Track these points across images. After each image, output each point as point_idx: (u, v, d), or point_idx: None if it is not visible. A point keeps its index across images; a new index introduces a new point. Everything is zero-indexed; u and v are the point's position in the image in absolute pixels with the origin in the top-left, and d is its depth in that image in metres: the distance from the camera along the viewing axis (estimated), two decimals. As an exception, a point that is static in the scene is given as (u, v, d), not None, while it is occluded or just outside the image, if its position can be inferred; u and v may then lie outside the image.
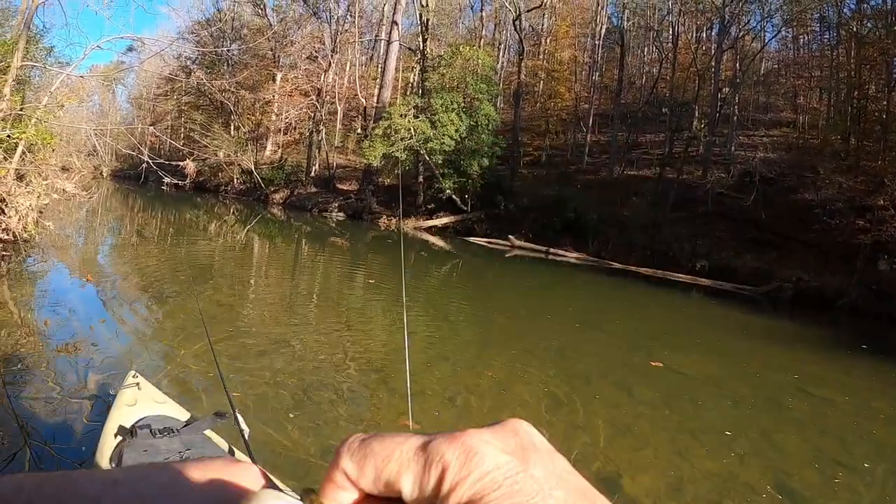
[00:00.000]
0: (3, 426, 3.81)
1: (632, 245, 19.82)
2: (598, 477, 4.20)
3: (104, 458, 2.52)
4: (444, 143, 23.48)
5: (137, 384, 3.24)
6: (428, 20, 27.63)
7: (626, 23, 33.01)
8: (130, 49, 35.99)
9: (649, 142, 29.22)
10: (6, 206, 10.25)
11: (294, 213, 29.30)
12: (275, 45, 36.76)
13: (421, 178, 26.59)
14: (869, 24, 19.25)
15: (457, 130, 23.58)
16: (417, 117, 24.44)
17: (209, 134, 35.96)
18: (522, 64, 28.68)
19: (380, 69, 32.94)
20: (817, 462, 4.85)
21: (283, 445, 4.07)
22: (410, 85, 36.58)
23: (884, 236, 14.69)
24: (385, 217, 26.92)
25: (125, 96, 55.56)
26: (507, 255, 20.48)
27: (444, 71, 25.46)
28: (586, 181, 26.95)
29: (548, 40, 38.45)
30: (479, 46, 30.32)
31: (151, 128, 29.74)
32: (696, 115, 26.56)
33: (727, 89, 26.20)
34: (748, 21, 25.86)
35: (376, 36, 38.16)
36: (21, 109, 11.31)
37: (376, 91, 31.93)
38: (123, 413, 2.92)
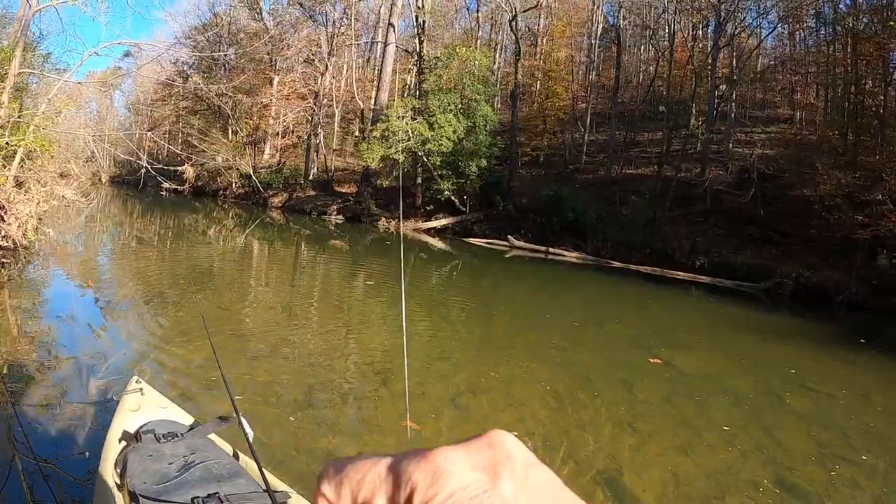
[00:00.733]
0: (7, 434, 3.82)
1: (631, 244, 19.84)
2: (600, 474, 4.22)
3: (109, 463, 2.54)
4: (441, 144, 23.50)
5: (140, 389, 3.26)
6: (424, 22, 27.65)
7: (622, 21, 33.00)
8: (127, 55, 36.12)
9: (647, 140, 29.23)
10: (6, 213, 10.27)
11: (293, 217, 29.32)
12: (271, 49, 36.76)
13: (419, 180, 26.61)
14: (865, 20, 19.25)
15: (454, 131, 23.60)
16: (415, 119, 24.46)
17: (207, 138, 35.98)
18: (519, 64, 28.66)
19: (377, 71, 32.94)
20: (818, 457, 4.87)
21: (286, 448, 4.09)
22: (408, 87, 36.58)
23: (882, 231, 14.68)
24: (384, 219, 26.91)
25: (123, 102, 55.62)
26: (506, 256, 20.49)
27: (441, 72, 25.48)
28: (585, 180, 26.98)
29: (544, 40, 38.47)
30: (476, 47, 30.34)
31: (149, 133, 29.88)
32: (694, 112, 26.57)
33: (724, 86, 26.20)
34: (744, 18, 25.84)
35: (373, 38, 38.20)
36: (19, 116, 11.33)
37: (373, 93, 31.93)
38: (127, 418, 2.93)
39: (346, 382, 5.78)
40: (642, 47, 39.61)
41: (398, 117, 24.47)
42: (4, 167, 10.62)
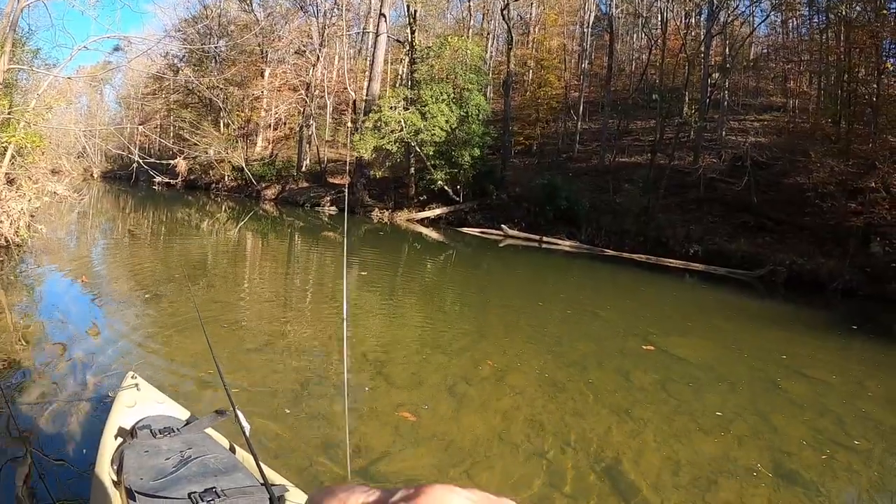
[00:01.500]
0: (3, 432, 3.82)
1: (625, 232, 19.88)
2: (597, 462, 4.24)
3: (105, 460, 2.54)
4: (434, 134, 23.47)
5: (136, 385, 3.26)
6: (416, 11, 27.52)
7: (614, 10, 32.87)
8: (117, 49, 35.80)
9: (640, 128, 29.23)
10: (-3, 210, 10.22)
11: (286, 209, 29.26)
12: (262, 41, 36.56)
13: (412, 170, 26.58)
14: (858, 8, 19.24)
15: (447, 121, 23.56)
16: (407, 109, 24.40)
17: (199, 132, 35.82)
18: (511, 53, 28.58)
19: (368, 62, 32.77)
20: (814, 442, 4.91)
21: (283, 441, 4.10)
22: (400, 77, 36.48)
23: (876, 219, 14.76)
24: (377, 210, 26.91)
25: (113, 97, 55.10)
26: (500, 245, 20.51)
27: (434, 62, 25.39)
28: (578, 169, 26.98)
29: (536, 29, 38.38)
30: (468, 37, 30.25)
31: (141, 127, 29.65)
32: (687, 100, 26.58)
33: (717, 75, 26.16)
34: (737, 6, 25.82)
35: (364, 28, 37.95)
36: (9, 113, 11.24)
37: (365, 84, 31.78)
38: (123, 414, 2.93)
39: (342, 374, 5.78)
40: (635, 35, 39.59)
41: (390, 107, 24.41)
42: (-5, 164, 10.56)
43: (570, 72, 36.67)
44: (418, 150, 24.26)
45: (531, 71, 36.54)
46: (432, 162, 24.28)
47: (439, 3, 35.59)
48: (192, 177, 37.20)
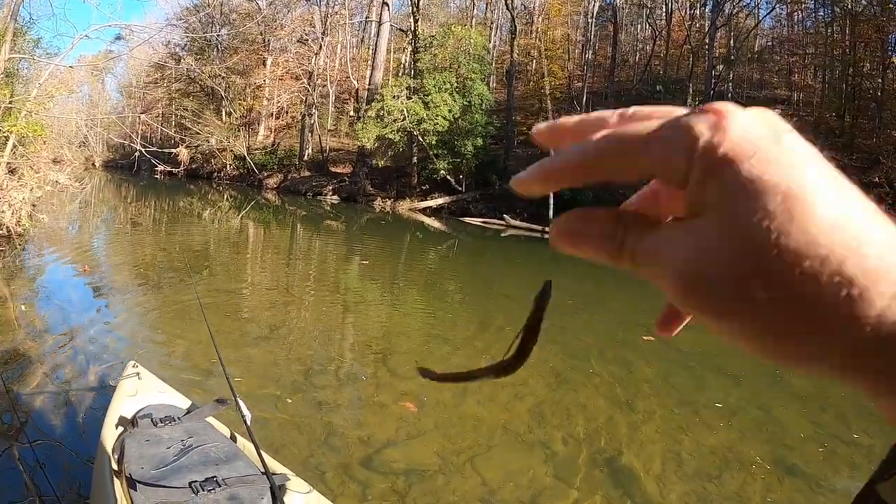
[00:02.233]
0: (5, 421, 3.82)
1: (628, 222, 19.78)
2: (600, 454, 4.24)
3: (106, 449, 2.54)
4: (437, 123, 23.42)
5: (138, 374, 3.25)
6: (419, 0, 27.40)
7: (618, 0, 32.74)
8: (119, 38, 35.61)
9: (644, 119, 29.08)
10: (-1, 199, 10.21)
11: (288, 198, 29.23)
12: (264, 29, 36.44)
13: (415, 160, 26.52)
14: (864, 1, 19.11)
15: (450, 111, 23.51)
16: (410, 98, 24.35)
17: (201, 121, 35.78)
18: (515, 43, 28.46)
19: (371, 51, 32.71)
20: (816, 437, 4.89)
21: (285, 429, 4.09)
22: (402, 66, 36.30)
23: (879, 214, 14.70)
24: (380, 199, 26.90)
25: (115, 86, 55.09)
26: (502, 235, 20.48)
27: (437, 51, 25.33)
28: (581, 160, 26.83)
29: (540, 18, 38.14)
30: (471, 26, 30.14)
31: (143, 116, 29.61)
32: (691, 92, 26.44)
33: (721, 66, 26.07)
34: (742, -3, 25.71)
35: (367, 17, 37.83)
36: (10, 102, 11.22)
37: (368, 73, 31.70)
38: (124, 403, 2.93)
39: (343, 362, 5.79)
40: (639, 26, 39.34)
41: (393, 97, 24.36)
42: (-3, 153, 10.55)
43: (573, 62, 36.53)
44: (421, 139, 24.22)
45: (534, 61, 36.39)
46: (435, 151, 24.24)
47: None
48: (193, 166, 37.17)
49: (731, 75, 27.01)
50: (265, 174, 34.19)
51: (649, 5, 32.86)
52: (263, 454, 2.26)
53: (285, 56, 37.88)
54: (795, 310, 0.24)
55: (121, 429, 2.67)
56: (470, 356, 6.30)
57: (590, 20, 36.30)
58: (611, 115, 0.32)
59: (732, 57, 26.54)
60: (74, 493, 3.11)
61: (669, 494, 3.77)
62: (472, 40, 25.33)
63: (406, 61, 34.42)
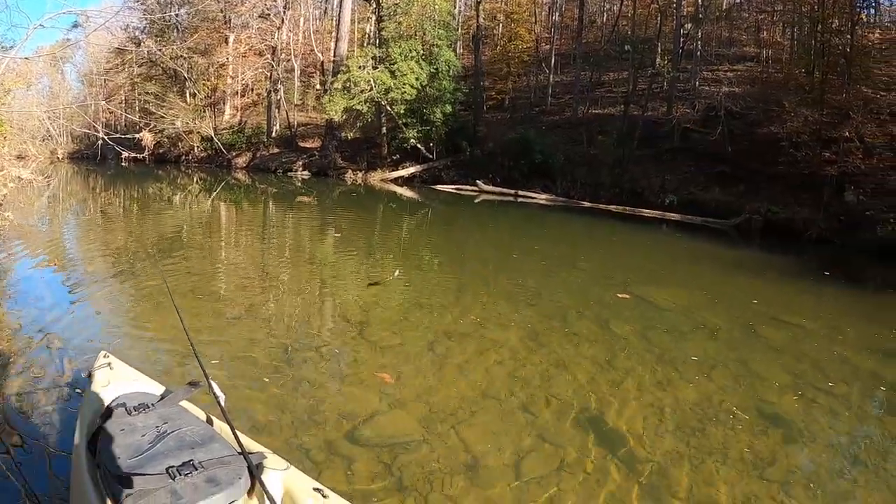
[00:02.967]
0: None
1: (599, 184, 19.91)
2: (582, 413, 4.25)
3: (82, 442, 2.49)
4: (405, 92, 23.25)
5: (109, 364, 3.19)
6: (380, -33, 26.91)
7: (582, -41, 32.36)
8: (76, 25, 34.40)
9: (613, 80, 29.00)
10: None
11: (258, 176, 28.93)
12: (224, 6, 35.55)
13: (384, 130, 26.32)
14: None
15: (417, 79, 23.33)
16: (376, 68, 24.10)
17: (165, 104, 35.06)
18: (480, 7, 28.17)
19: (335, 22, 32.17)
20: (794, 387, 4.96)
21: (264, 409, 4.04)
22: (367, 36, 35.71)
23: (850, 168, 14.82)
24: (351, 171, 26.76)
25: (75, 75, 53.40)
26: (476, 201, 20.49)
27: (401, 19, 25.02)
28: (551, 122, 26.81)
29: (505, -19, 37.73)
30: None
31: (104, 103, 28.95)
32: (659, 51, 26.37)
33: (689, 25, 25.94)
34: (709, -47, 25.50)
35: (328, -12, 37.12)
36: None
37: (332, 44, 31.22)
38: (97, 395, 2.87)
39: (321, 337, 5.74)
40: (605, -15, 39.03)
41: (359, 67, 24.10)
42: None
43: (540, 25, 36.19)
44: (389, 109, 24.03)
45: (501, 25, 36.09)
46: (404, 120, 24.10)
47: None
48: (160, 150, 36.51)
49: (700, 33, 26.84)
50: (233, 154, 33.76)
51: (613, -37, 32.57)
52: (239, 434, 2.23)
53: (247, 32, 37.03)
54: None
55: (96, 421, 2.61)
56: (448, 322, 6.29)
57: (555, -19, 35.92)
58: None
59: (700, 15, 26.35)
60: (54, 490, 3.06)
61: (655, 451, 3.80)
62: (436, 6, 24.98)
63: (371, 31, 33.88)
